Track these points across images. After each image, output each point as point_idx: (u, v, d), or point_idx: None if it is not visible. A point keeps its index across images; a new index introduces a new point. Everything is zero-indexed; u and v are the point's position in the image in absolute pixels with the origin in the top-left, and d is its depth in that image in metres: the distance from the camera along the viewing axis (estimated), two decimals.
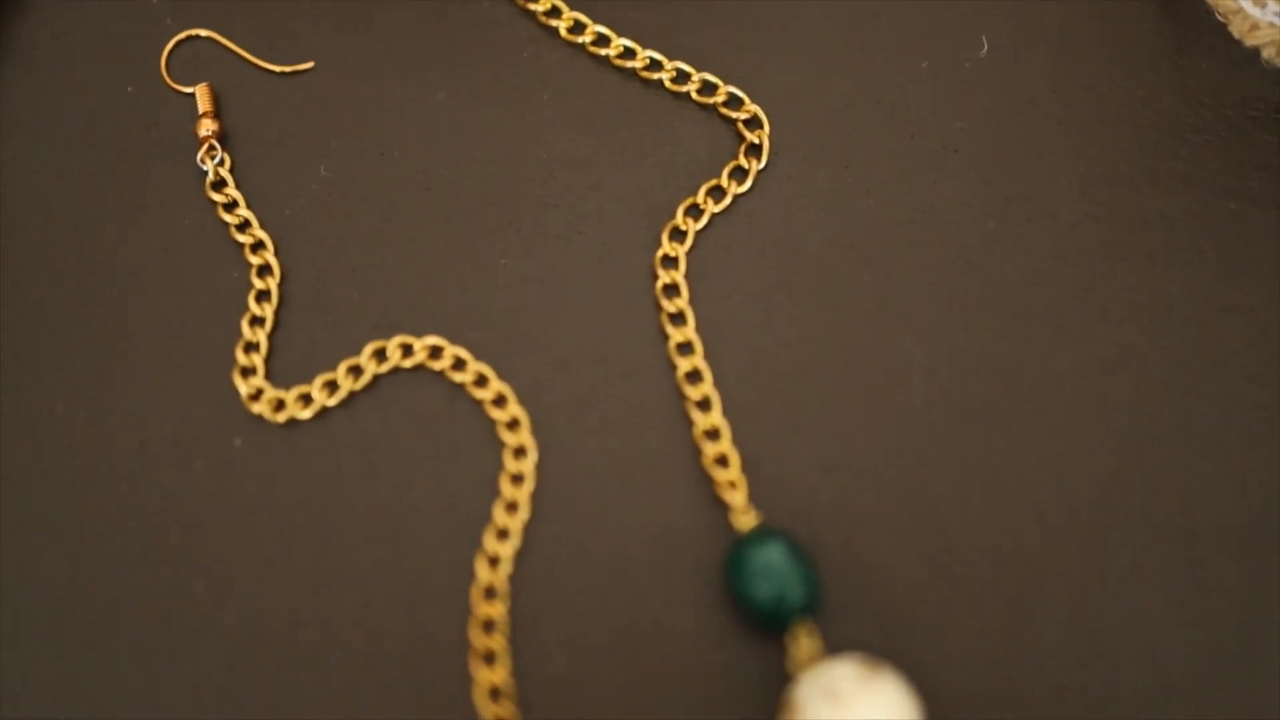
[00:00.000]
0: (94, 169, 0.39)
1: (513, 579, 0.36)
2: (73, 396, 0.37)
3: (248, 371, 0.37)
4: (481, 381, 0.37)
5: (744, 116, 0.39)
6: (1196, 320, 0.37)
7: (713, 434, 0.37)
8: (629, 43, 0.40)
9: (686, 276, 0.38)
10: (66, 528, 0.36)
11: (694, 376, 0.37)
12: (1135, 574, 0.35)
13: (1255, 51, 0.38)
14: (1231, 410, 0.37)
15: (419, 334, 0.38)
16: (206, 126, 0.39)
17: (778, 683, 0.35)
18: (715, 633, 0.35)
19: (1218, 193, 0.38)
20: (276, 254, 0.38)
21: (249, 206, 0.39)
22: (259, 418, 0.37)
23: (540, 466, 0.37)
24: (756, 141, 0.39)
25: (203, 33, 0.41)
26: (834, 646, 0.35)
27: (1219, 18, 0.38)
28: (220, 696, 0.35)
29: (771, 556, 0.34)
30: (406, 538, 0.36)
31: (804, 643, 0.34)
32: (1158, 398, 0.37)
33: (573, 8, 0.41)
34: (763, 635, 0.35)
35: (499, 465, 0.37)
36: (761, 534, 0.35)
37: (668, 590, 0.36)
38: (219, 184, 0.39)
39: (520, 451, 0.37)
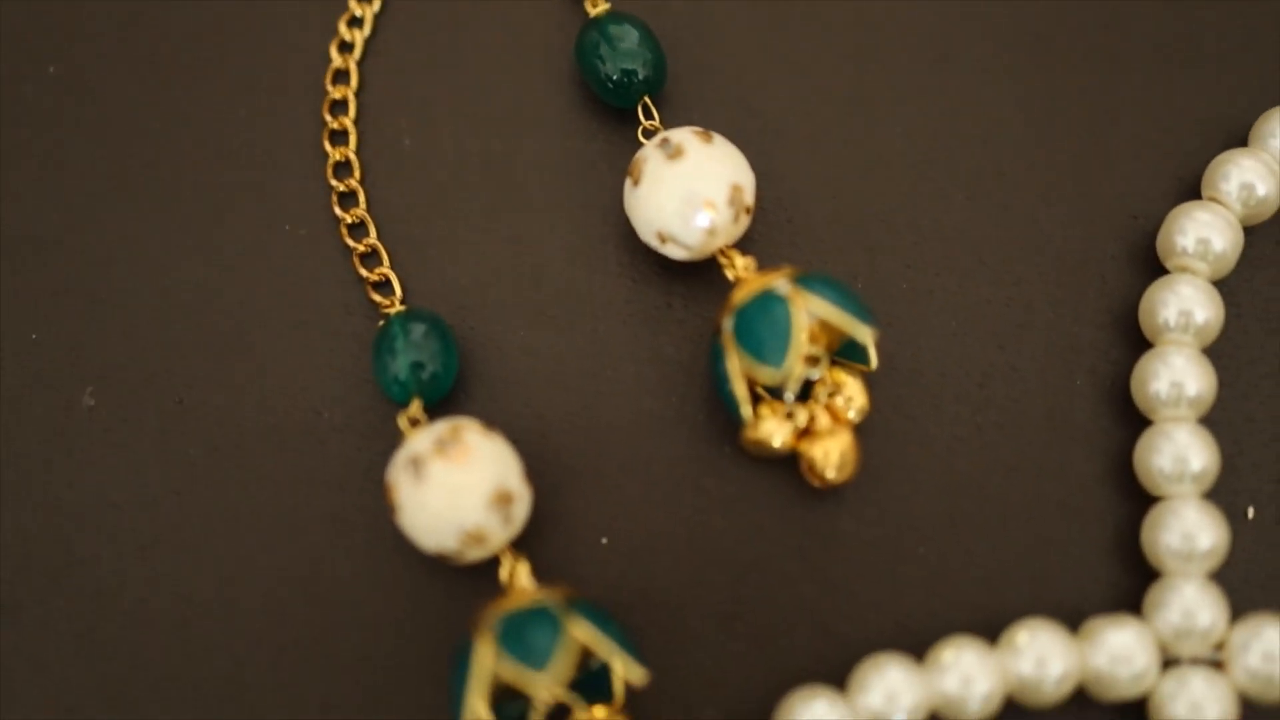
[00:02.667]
0: None
1: (364, 65, 0.36)
2: None
3: None
4: None
5: None
6: None
7: None
8: None
9: None
10: None
11: None
12: (986, 78, 0.36)
13: None
14: None
15: None
16: None
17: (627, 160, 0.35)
18: (571, 115, 0.35)
19: None
20: None
21: None
22: None
23: None
24: None
25: None
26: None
27: None
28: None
29: (624, 34, 0.35)
30: (257, 18, 0.36)
31: (650, 117, 0.35)
32: None
33: None
34: (611, 114, 0.35)
35: None
36: (614, 17, 0.35)
37: (520, 75, 0.36)
38: None
39: None
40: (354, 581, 0.32)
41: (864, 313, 0.32)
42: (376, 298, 0.34)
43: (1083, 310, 0.34)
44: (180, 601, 0.32)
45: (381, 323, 0.33)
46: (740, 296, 0.32)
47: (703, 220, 0.32)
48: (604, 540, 0.33)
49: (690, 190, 0.32)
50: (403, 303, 0.34)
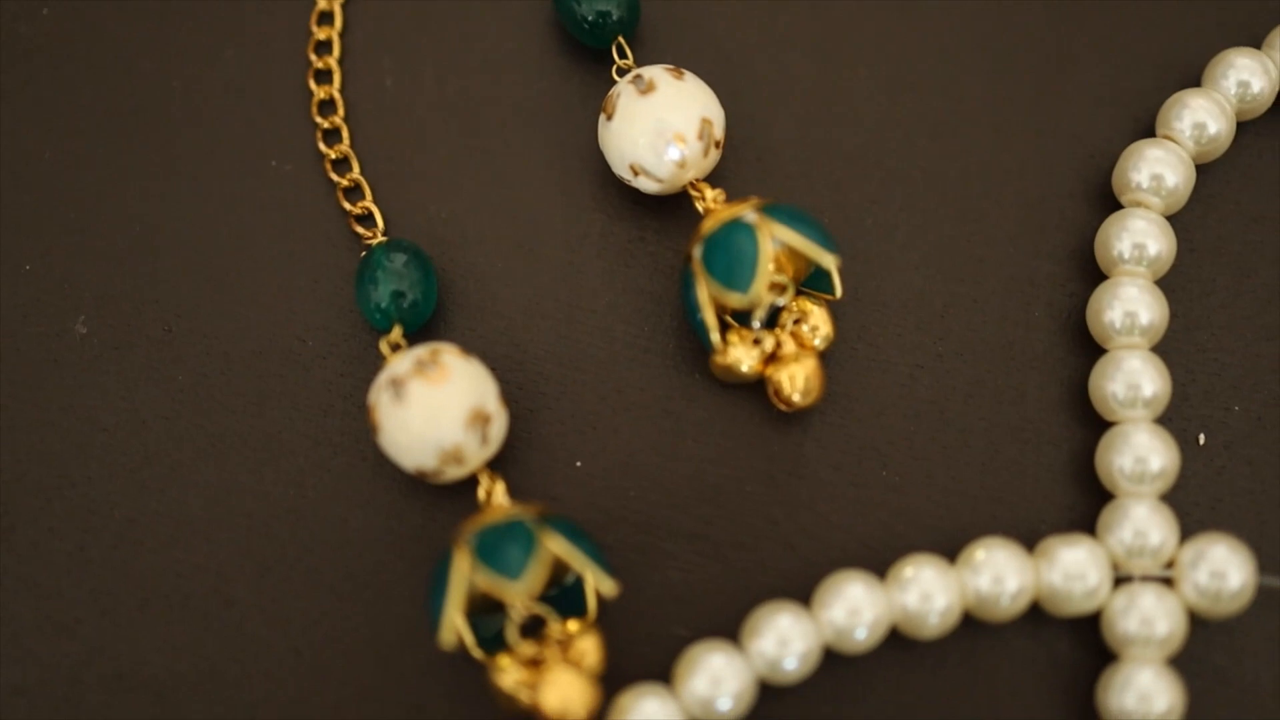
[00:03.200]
0: None
1: (348, 7, 0.37)
2: None
3: None
4: None
5: None
6: None
7: None
8: None
9: None
10: None
11: None
12: (949, 22, 0.37)
13: None
14: None
15: None
16: None
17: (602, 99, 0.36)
18: (547, 55, 0.37)
19: None
20: None
21: None
22: None
23: None
24: None
25: None
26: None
27: None
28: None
29: None
30: None
31: (624, 57, 0.36)
32: None
33: None
34: (587, 54, 0.37)
35: None
36: None
37: (498, 17, 0.37)
38: None
39: None
40: (336, 501, 0.33)
41: (828, 241, 0.33)
42: (359, 230, 0.35)
43: (1041, 244, 0.35)
44: (168, 521, 0.33)
45: (364, 253, 0.34)
46: (709, 225, 0.33)
47: (673, 153, 0.34)
48: (578, 464, 0.34)
49: (661, 123, 0.33)
50: (384, 235, 0.35)
